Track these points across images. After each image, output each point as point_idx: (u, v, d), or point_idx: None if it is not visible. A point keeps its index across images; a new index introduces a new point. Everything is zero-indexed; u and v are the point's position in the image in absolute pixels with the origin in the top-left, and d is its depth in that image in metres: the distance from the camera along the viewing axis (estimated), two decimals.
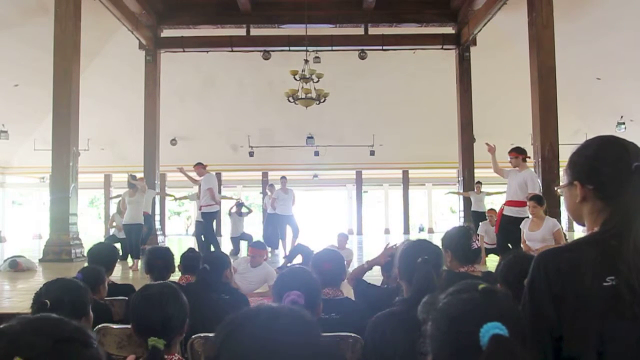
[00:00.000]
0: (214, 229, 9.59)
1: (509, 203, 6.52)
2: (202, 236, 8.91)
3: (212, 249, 8.38)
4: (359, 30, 13.21)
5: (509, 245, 6.31)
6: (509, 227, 6.11)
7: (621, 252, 1.11)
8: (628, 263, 1.10)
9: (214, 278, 3.07)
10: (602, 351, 1.07)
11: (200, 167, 8.77)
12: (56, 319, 0.83)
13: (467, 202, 12.01)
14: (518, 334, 0.81)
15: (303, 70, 10.93)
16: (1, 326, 0.81)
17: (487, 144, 6.68)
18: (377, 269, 3.19)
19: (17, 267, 7.31)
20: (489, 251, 8.14)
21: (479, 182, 11.42)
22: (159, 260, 3.21)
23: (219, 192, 16.80)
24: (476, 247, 2.60)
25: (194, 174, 9.01)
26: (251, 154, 18.18)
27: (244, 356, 0.78)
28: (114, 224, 10.00)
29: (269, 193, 10.48)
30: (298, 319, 0.83)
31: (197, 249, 6.01)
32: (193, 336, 2.15)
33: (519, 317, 0.87)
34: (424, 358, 0.88)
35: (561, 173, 9.19)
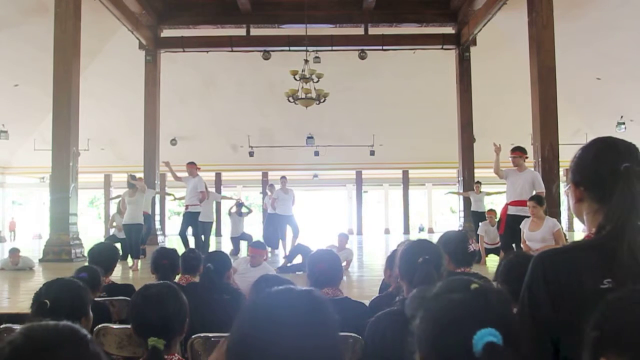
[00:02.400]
0: (210, 230, 9.56)
1: (515, 203, 6.51)
2: (202, 236, 8.90)
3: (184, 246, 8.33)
4: (359, 30, 13.21)
5: (514, 245, 6.31)
6: (515, 227, 6.11)
7: (616, 255, 1.11)
8: (623, 266, 1.10)
9: (217, 278, 3.08)
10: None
11: (192, 166, 8.72)
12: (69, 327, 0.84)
13: (467, 202, 12.01)
14: (512, 340, 0.77)
15: (303, 70, 10.93)
16: (23, 330, 0.81)
17: (494, 144, 6.70)
18: (378, 268, 3.19)
19: (16, 253, 7.38)
20: (489, 251, 8.14)
21: (478, 182, 11.41)
22: (165, 261, 3.22)
23: (220, 192, 16.93)
24: (472, 250, 2.62)
25: (182, 173, 8.93)
26: (251, 154, 18.19)
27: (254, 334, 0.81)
28: (114, 224, 10.00)
29: (269, 193, 10.48)
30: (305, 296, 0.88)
31: (196, 249, 6.03)
32: (193, 336, 2.15)
33: (514, 320, 0.82)
34: (412, 357, 0.85)
35: (561, 173, 9.21)
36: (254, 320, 0.83)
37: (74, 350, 0.80)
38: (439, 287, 0.84)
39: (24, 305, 4.14)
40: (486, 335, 0.73)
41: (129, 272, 7.31)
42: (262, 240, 7.51)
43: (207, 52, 13.66)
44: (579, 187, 1.24)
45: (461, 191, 12.91)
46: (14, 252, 7.45)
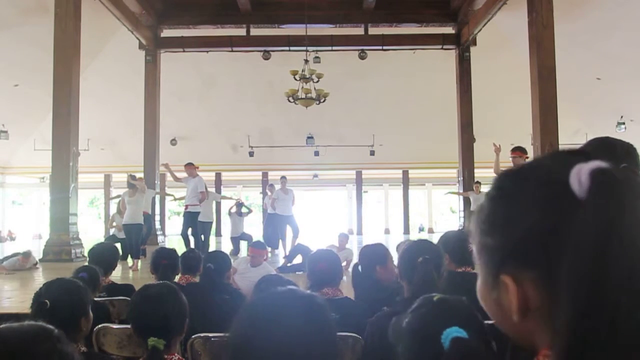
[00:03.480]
0: (210, 230, 9.57)
1: None
2: (202, 236, 8.90)
3: (192, 245, 8.36)
4: (359, 30, 13.21)
5: None
6: None
7: None
8: None
9: (217, 278, 3.08)
10: None
11: (191, 167, 8.73)
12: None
13: (467, 202, 12.02)
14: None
15: (303, 70, 10.93)
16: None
17: (494, 144, 6.71)
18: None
19: (28, 258, 7.42)
20: None
21: (477, 182, 11.41)
22: (165, 261, 3.21)
23: (220, 192, 16.93)
24: (472, 249, 2.61)
25: (182, 174, 8.93)
26: (251, 154, 18.17)
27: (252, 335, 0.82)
28: (114, 224, 10.00)
29: (269, 193, 10.48)
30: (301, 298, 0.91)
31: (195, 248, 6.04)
32: (193, 336, 2.15)
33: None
34: None
35: None
36: (254, 318, 0.84)
37: (46, 348, 0.81)
38: (411, 310, 0.95)
39: (24, 305, 4.14)
40: (452, 332, 0.83)
41: (129, 272, 7.31)
42: (262, 240, 7.51)
43: (207, 52, 13.65)
44: None
45: (461, 191, 12.91)
46: (27, 255, 7.46)
